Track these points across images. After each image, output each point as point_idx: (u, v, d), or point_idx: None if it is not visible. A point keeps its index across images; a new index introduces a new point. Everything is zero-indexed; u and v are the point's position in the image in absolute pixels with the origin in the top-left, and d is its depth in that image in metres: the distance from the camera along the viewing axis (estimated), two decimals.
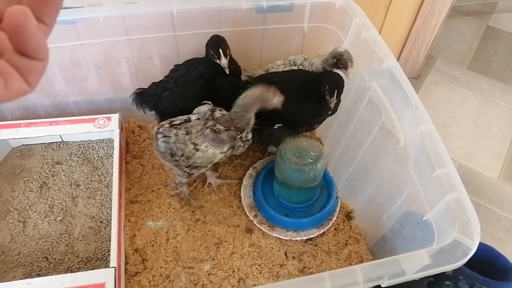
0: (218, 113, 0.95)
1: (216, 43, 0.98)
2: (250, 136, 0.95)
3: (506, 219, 1.36)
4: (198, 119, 0.95)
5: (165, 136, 0.94)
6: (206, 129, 0.93)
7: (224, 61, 0.96)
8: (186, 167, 0.97)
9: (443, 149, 0.77)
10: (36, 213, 1.01)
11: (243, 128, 0.93)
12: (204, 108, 0.96)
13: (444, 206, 0.72)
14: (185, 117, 0.96)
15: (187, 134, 0.93)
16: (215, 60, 0.97)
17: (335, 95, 0.92)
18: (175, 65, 1.07)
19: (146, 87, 1.07)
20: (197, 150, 0.93)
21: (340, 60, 0.98)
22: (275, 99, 0.89)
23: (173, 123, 0.95)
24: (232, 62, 1.01)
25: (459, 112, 1.70)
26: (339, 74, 0.97)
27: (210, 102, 0.97)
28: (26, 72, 0.29)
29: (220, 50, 0.96)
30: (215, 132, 0.92)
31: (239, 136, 0.94)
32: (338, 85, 0.93)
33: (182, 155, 0.94)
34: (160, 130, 0.95)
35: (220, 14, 1.07)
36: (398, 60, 1.65)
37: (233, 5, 1.06)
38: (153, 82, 1.06)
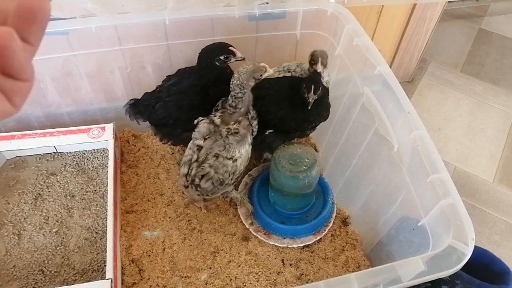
0: (217, 119, 0.93)
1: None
2: (254, 112, 0.95)
3: (502, 221, 1.36)
4: (206, 138, 0.93)
5: (204, 176, 0.93)
6: (227, 139, 0.91)
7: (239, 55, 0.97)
8: (235, 179, 0.97)
9: (436, 155, 0.77)
10: (31, 225, 1.01)
11: (246, 110, 0.92)
12: (203, 127, 0.94)
13: (439, 212, 0.72)
14: (193, 147, 0.94)
15: (217, 157, 0.91)
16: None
17: (312, 90, 0.92)
18: (167, 76, 1.07)
19: (140, 96, 1.07)
20: (236, 160, 0.92)
21: (311, 57, 1.01)
22: (267, 70, 0.88)
23: (193, 160, 0.93)
24: (226, 67, 1.01)
25: (453, 115, 1.70)
26: (317, 72, 0.99)
27: (202, 118, 0.95)
28: (11, 93, 0.29)
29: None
30: (236, 134, 0.92)
31: (250, 118, 0.93)
32: (314, 80, 0.94)
33: (229, 176, 0.93)
34: (194, 174, 0.93)
35: (213, 23, 1.08)
36: (391, 65, 1.67)
37: (226, 13, 1.06)
38: (146, 93, 1.06)
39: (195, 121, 0.95)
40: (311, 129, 1.06)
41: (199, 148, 0.93)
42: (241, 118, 0.92)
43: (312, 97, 0.93)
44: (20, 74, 0.28)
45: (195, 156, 0.93)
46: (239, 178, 0.99)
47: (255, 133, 0.97)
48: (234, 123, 0.92)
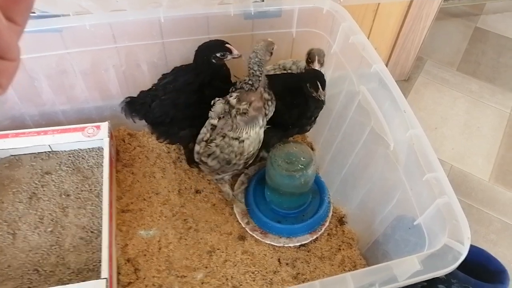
0: (233, 99, 0.94)
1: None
2: (271, 95, 0.96)
3: (498, 220, 1.36)
4: (220, 118, 0.94)
5: (210, 155, 0.95)
6: (235, 118, 0.93)
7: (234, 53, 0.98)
8: (244, 162, 0.97)
9: (432, 153, 0.77)
10: (26, 224, 1.00)
11: (262, 91, 0.93)
12: (218, 107, 0.95)
13: (434, 211, 0.72)
14: (208, 126, 0.96)
15: (224, 137, 0.94)
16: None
17: (320, 87, 0.93)
18: (163, 74, 1.06)
19: (135, 94, 1.06)
20: (243, 141, 0.93)
21: (308, 55, 1.03)
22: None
23: (205, 139, 0.96)
24: (223, 65, 1.01)
25: (449, 114, 1.70)
26: (312, 69, 1.00)
27: (218, 98, 0.97)
28: None
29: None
30: (244, 114, 0.92)
31: (266, 100, 0.94)
32: (317, 77, 0.95)
33: (236, 156, 0.94)
34: (202, 153, 0.96)
35: (208, 21, 1.07)
36: (387, 63, 1.67)
37: (221, 11, 1.06)
38: (142, 91, 1.05)
39: (212, 102, 0.96)
40: (311, 124, 1.06)
41: (213, 127, 0.95)
42: (254, 98, 0.93)
43: (323, 94, 0.93)
44: (6, 54, 0.28)
45: (208, 135, 0.96)
46: (250, 160, 0.99)
47: (268, 116, 0.97)
48: (246, 103, 0.93)
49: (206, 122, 0.97)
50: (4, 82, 0.29)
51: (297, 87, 0.97)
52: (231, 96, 0.95)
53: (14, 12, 0.29)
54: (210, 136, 0.96)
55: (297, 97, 0.98)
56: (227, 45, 0.97)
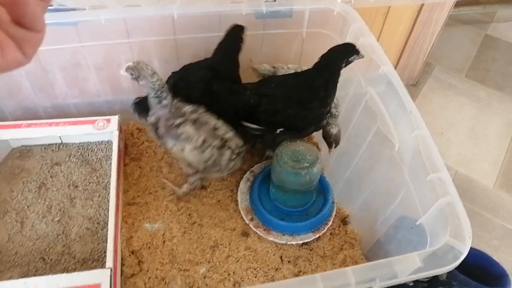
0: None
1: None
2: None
3: (501, 226, 1.36)
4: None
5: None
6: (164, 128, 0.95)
7: None
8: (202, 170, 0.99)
9: (437, 154, 0.78)
10: (34, 213, 1.02)
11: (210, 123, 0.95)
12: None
13: (437, 210, 0.73)
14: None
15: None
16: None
17: (358, 49, 0.94)
18: (172, 73, 1.08)
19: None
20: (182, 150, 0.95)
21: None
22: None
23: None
24: (235, 63, 1.02)
25: (456, 120, 1.71)
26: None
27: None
28: (23, 42, 0.30)
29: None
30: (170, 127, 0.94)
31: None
32: (348, 44, 0.96)
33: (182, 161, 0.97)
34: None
35: (220, 19, 1.09)
36: (396, 67, 1.68)
37: (233, 10, 1.07)
38: None
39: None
40: (324, 119, 1.05)
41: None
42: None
43: (361, 53, 0.94)
44: (32, 24, 0.29)
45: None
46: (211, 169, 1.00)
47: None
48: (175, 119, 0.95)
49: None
50: (29, 52, 0.31)
51: (310, 82, 0.97)
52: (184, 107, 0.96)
53: None
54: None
55: (310, 94, 0.98)
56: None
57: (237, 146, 0.99)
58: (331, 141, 1.09)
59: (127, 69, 0.89)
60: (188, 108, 0.96)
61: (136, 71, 0.89)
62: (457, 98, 1.80)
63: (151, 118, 0.96)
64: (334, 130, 1.08)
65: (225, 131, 0.97)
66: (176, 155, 0.98)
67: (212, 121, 0.96)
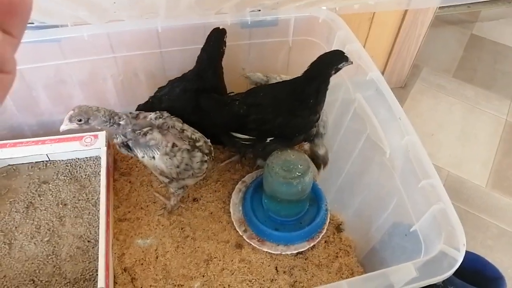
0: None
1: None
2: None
3: (495, 226, 1.37)
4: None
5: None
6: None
7: None
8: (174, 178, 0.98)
9: (427, 160, 0.77)
10: (23, 234, 1.00)
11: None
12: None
13: (430, 217, 0.73)
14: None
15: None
16: None
17: (346, 56, 0.92)
18: (159, 88, 1.07)
19: (133, 103, 1.07)
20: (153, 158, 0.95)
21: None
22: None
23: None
24: (219, 68, 1.02)
25: (445, 121, 1.71)
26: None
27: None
28: None
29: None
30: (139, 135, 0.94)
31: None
32: (336, 51, 0.95)
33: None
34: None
35: (205, 30, 1.08)
36: (384, 71, 1.68)
37: (218, 21, 1.06)
38: (139, 105, 1.06)
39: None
40: (312, 127, 1.04)
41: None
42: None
43: (350, 60, 0.93)
44: (2, 66, 0.28)
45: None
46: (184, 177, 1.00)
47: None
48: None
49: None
50: (0, 94, 0.29)
51: (301, 90, 0.97)
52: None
53: (10, 24, 0.29)
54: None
55: (298, 103, 0.98)
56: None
57: (206, 146, 0.99)
58: (319, 162, 1.10)
59: (71, 118, 0.87)
60: (152, 115, 0.96)
61: (84, 115, 0.88)
62: (446, 99, 1.81)
63: (117, 140, 0.97)
64: (321, 151, 1.08)
65: (192, 132, 0.98)
66: (149, 165, 0.97)
67: (178, 124, 0.97)
